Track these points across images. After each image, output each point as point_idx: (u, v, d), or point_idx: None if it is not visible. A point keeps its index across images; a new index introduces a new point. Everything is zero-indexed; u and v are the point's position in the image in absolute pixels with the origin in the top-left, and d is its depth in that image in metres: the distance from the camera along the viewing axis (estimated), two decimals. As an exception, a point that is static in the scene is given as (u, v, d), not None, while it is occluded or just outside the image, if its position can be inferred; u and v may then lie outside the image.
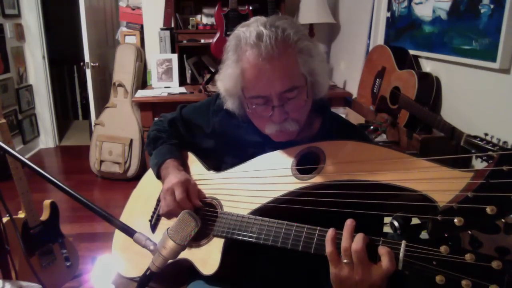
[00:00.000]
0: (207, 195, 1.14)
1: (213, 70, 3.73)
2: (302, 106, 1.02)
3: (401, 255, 0.74)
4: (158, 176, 1.24)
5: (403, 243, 0.74)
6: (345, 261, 0.79)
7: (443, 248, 0.69)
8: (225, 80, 1.06)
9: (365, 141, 1.08)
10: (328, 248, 0.81)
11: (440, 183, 0.78)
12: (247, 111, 1.07)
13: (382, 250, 0.76)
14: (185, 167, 1.25)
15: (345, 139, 1.00)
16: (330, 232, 0.83)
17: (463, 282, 0.66)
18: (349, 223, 0.82)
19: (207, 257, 1.03)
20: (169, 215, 1.13)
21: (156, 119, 1.40)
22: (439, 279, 0.68)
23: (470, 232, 0.69)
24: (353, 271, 0.78)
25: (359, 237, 0.79)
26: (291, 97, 1.00)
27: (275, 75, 0.97)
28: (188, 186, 1.12)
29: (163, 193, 1.13)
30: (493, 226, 0.69)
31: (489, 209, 0.66)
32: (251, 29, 0.99)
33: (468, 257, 0.66)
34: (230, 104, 1.11)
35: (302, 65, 0.99)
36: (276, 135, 1.06)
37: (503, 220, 0.67)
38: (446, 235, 0.71)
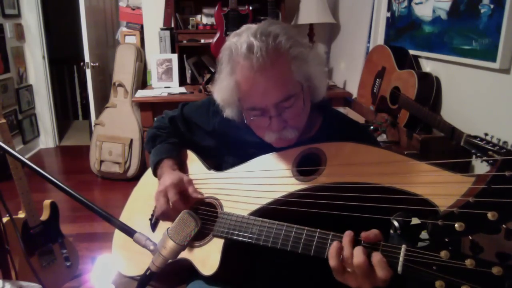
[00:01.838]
0: (207, 195, 1.14)
1: (213, 70, 3.72)
2: (299, 113, 1.02)
3: (401, 259, 0.73)
4: (155, 174, 1.25)
5: (403, 247, 0.74)
6: (349, 269, 0.79)
7: (443, 253, 0.69)
8: (221, 92, 1.05)
9: (368, 138, 1.07)
10: (332, 262, 0.80)
11: (441, 188, 0.78)
12: (245, 121, 1.07)
13: (374, 259, 0.76)
14: (183, 166, 1.26)
15: (347, 138, 0.99)
16: (335, 244, 0.82)
17: (463, 288, 0.66)
18: (347, 234, 0.82)
19: (207, 257, 1.03)
20: (163, 217, 1.14)
21: (157, 117, 1.41)
22: (438, 284, 0.68)
23: (470, 237, 0.69)
24: (358, 281, 0.79)
25: (359, 250, 0.78)
26: (288, 106, 0.99)
27: (269, 86, 0.96)
28: (182, 186, 1.12)
29: (156, 195, 1.13)
30: (494, 231, 0.68)
31: (490, 215, 0.66)
32: (242, 40, 0.97)
33: (468, 262, 0.66)
34: (229, 113, 1.10)
35: (297, 72, 0.98)
36: (276, 143, 1.06)
37: (504, 225, 0.66)
38: (446, 240, 0.71)
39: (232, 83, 1.00)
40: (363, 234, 0.80)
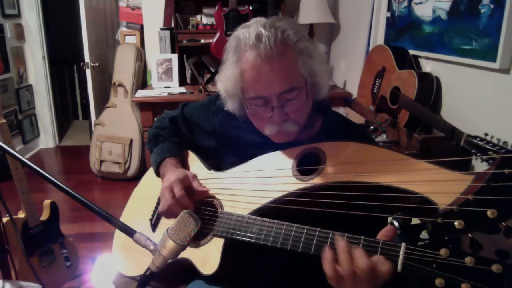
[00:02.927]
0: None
1: (213, 70, 3.73)
2: (302, 107, 1.02)
3: (400, 257, 0.74)
4: (158, 174, 1.25)
5: (403, 245, 0.74)
6: (345, 276, 0.77)
7: (443, 251, 0.69)
8: (225, 81, 1.06)
9: (367, 140, 1.08)
10: (329, 272, 0.79)
11: (440, 186, 0.78)
12: (247, 111, 1.07)
13: (374, 258, 0.75)
14: (185, 165, 1.26)
15: (347, 139, 1.00)
16: (328, 254, 0.80)
17: (463, 286, 0.66)
18: (342, 244, 0.79)
19: (207, 257, 1.03)
20: (168, 213, 1.13)
21: (157, 117, 1.41)
22: (438, 282, 0.68)
23: (470, 235, 0.69)
24: (355, 285, 0.77)
25: (360, 254, 0.77)
26: (291, 98, 1.00)
27: (274, 75, 0.97)
28: (187, 182, 1.13)
29: (161, 191, 1.13)
30: (494, 229, 0.68)
31: (489, 212, 0.66)
32: (251, 30, 0.99)
33: (468, 260, 0.66)
34: (230, 105, 1.11)
35: (302, 66, 0.99)
36: (276, 136, 1.06)
37: (503, 223, 0.66)
38: (446, 238, 0.71)
39: (237, 71, 1.01)
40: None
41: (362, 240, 0.79)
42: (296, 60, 0.98)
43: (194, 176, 1.16)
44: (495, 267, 0.64)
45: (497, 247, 0.68)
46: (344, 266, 0.77)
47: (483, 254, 0.68)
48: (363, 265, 0.75)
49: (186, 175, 1.14)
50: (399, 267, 0.73)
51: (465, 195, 0.71)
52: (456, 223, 0.69)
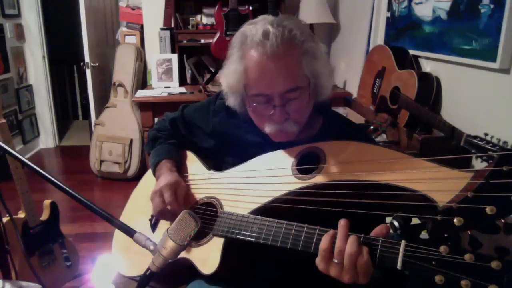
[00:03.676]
0: (207, 195, 1.15)
1: (213, 70, 3.72)
2: (303, 107, 1.02)
3: (400, 254, 0.74)
4: (155, 175, 1.25)
5: (403, 242, 0.74)
6: (336, 261, 0.80)
7: (442, 248, 0.69)
8: (229, 76, 1.06)
9: (366, 140, 1.08)
10: (324, 244, 0.81)
11: (440, 183, 0.78)
12: (248, 108, 1.07)
13: (363, 252, 0.78)
14: (182, 167, 1.26)
15: (346, 139, 1.00)
16: (332, 230, 0.83)
17: (463, 282, 0.66)
18: (342, 223, 0.82)
19: (207, 257, 1.03)
20: (161, 215, 1.14)
21: (157, 118, 1.41)
22: (438, 279, 0.68)
23: (469, 232, 0.69)
24: (342, 272, 0.79)
25: (353, 239, 0.79)
26: (293, 98, 1.00)
27: (279, 74, 0.97)
28: (177, 189, 1.13)
29: (151, 194, 1.14)
30: (493, 226, 0.69)
31: (488, 209, 0.66)
32: (258, 26, 0.98)
33: (467, 257, 0.66)
34: (231, 101, 1.11)
35: (306, 66, 0.99)
36: (275, 135, 1.06)
37: (502, 220, 0.67)
38: (445, 235, 0.71)
39: (241, 68, 1.01)
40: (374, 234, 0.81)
41: (362, 238, 0.79)
42: (301, 60, 0.98)
43: (183, 188, 1.16)
44: (494, 264, 0.64)
45: (496, 244, 0.68)
46: (338, 242, 0.79)
47: (482, 251, 0.68)
48: (351, 249, 0.77)
49: (177, 181, 1.15)
50: (399, 264, 0.73)
51: (464, 193, 0.71)
52: (455, 220, 0.69)
